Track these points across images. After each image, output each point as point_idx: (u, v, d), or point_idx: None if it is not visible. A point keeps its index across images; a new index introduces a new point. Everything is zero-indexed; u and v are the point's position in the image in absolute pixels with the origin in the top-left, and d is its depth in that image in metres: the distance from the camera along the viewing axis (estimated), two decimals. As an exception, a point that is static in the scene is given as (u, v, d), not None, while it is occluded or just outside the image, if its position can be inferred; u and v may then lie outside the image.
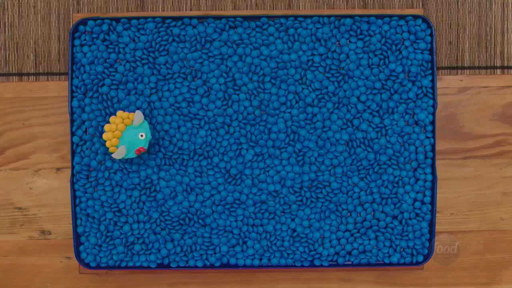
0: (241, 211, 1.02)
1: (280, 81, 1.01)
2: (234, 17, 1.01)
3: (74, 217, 1.02)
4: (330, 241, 1.03)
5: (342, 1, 1.07)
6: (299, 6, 1.07)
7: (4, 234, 1.06)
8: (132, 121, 0.98)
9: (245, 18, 1.02)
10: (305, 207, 1.02)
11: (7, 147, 1.06)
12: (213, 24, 1.01)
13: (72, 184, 1.02)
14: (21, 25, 1.07)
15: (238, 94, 1.01)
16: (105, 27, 1.01)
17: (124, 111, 1.00)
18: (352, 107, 1.01)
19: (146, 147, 0.99)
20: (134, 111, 1.01)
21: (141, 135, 0.98)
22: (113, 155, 0.98)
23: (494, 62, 1.07)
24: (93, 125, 1.01)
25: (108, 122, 1.01)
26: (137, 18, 1.01)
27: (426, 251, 1.02)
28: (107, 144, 0.99)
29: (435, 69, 1.01)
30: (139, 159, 1.01)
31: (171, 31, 1.01)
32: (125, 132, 0.98)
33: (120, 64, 1.02)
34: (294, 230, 1.03)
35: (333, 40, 1.02)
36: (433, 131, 1.02)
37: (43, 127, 1.05)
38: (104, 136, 0.99)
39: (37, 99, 1.06)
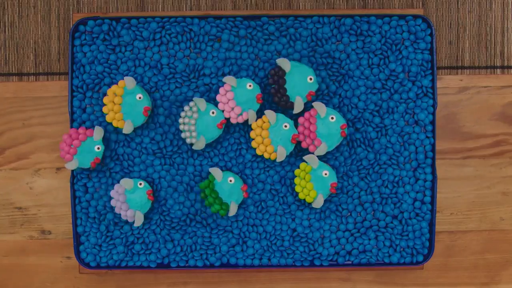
0: (241, 211, 1.02)
1: (280, 81, 1.01)
2: (234, 17, 1.01)
3: (74, 217, 1.02)
4: (330, 241, 1.03)
5: (342, 1, 1.07)
6: (299, 6, 1.07)
7: (4, 234, 1.06)
8: (269, 121, 0.98)
9: (245, 18, 1.02)
10: (305, 207, 1.02)
11: (7, 147, 1.06)
12: (213, 24, 1.01)
13: (72, 184, 1.02)
14: (21, 25, 1.07)
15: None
16: (105, 27, 1.01)
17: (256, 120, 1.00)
18: (352, 107, 1.01)
19: (296, 132, 0.98)
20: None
21: (285, 126, 0.98)
22: (277, 159, 0.98)
23: (494, 62, 1.07)
24: (94, 125, 1.01)
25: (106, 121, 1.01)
26: (137, 18, 1.01)
27: (426, 251, 1.03)
28: (265, 155, 0.98)
29: (435, 69, 1.01)
30: (139, 159, 1.01)
31: (171, 30, 1.01)
32: (271, 135, 0.98)
33: (121, 64, 1.01)
34: (294, 230, 1.03)
35: (333, 40, 1.02)
36: (433, 131, 1.02)
37: (43, 127, 1.05)
38: (258, 151, 0.99)
39: (37, 99, 1.06)
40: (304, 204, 1.02)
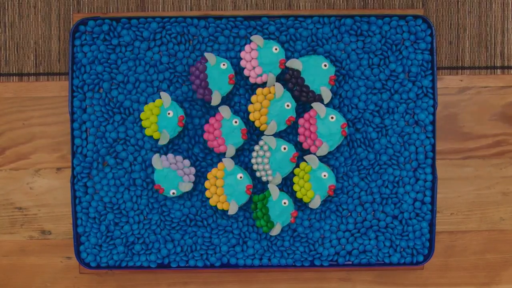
0: (241, 212, 1.02)
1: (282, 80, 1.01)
2: (234, 17, 1.01)
3: (74, 217, 1.02)
4: (330, 241, 1.03)
5: (342, 1, 1.07)
6: (299, 6, 1.07)
7: (4, 234, 1.06)
8: (274, 94, 0.97)
9: (245, 18, 1.02)
10: (305, 207, 1.02)
11: (7, 147, 1.06)
12: (213, 24, 1.01)
13: (72, 184, 1.02)
14: (21, 25, 1.07)
15: (239, 95, 1.01)
16: (105, 27, 1.01)
17: (263, 88, 0.99)
18: (352, 107, 1.01)
19: (294, 115, 0.98)
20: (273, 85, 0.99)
21: (287, 105, 0.98)
22: (266, 132, 0.97)
23: (494, 62, 1.07)
24: (94, 125, 1.01)
25: (108, 122, 1.01)
26: (137, 18, 1.01)
27: (426, 251, 1.03)
28: (256, 123, 0.97)
29: (435, 69, 1.01)
30: (141, 160, 1.02)
31: (171, 30, 1.01)
32: (271, 107, 0.97)
33: (121, 64, 1.01)
34: (294, 230, 1.03)
35: (333, 40, 1.02)
36: (433, 131, 1.02)
37: (43, 127, 1.05)
38: (251, 116, 0.98)
39: (37, 99, 1.06)
40: (305, 204, 1.02)
